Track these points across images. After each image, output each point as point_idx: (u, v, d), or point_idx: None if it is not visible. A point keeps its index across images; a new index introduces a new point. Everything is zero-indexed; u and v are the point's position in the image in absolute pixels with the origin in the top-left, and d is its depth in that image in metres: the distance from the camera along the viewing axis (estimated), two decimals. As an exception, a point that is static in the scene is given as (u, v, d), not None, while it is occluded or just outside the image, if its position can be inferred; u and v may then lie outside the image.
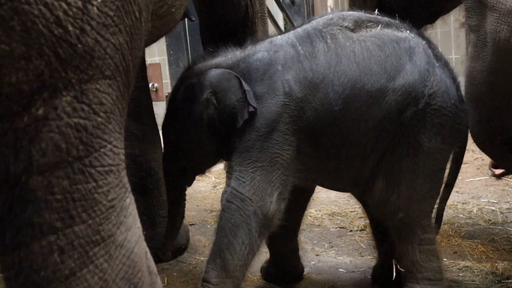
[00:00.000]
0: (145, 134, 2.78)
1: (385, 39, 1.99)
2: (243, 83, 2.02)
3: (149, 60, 7.59)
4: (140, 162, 2.67)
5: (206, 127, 2.08)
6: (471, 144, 5.25)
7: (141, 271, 1.11)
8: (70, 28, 0.91)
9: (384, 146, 2.00)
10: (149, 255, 1.17)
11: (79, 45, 0.92)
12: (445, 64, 2.05)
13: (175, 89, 2.20)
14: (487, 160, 4.41)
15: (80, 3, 0.91)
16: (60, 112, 0.93)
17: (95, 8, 0.94)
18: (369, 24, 2.04)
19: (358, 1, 3.09)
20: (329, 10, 6.86)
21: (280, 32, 4.94)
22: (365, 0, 3.00)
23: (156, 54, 7.63)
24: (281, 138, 1.98)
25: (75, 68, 0.93)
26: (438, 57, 2.04)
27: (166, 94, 7.02)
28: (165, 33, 2.27)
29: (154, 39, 2.03)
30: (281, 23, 6.40)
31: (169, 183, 2.28)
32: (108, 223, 1.03)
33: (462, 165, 4.42)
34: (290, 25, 6.05)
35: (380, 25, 2.04)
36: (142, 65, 2.74)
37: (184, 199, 2.37)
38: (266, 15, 3.48)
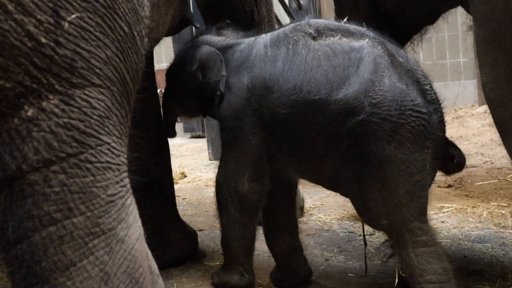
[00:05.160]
0: (152, 138, 2.80)
1: (337, 50, 2.06)
2: (223, 68, 2.34)
3: (157, 66, 7.62)
4: (147, 167, 2.68)
5: (189, 92, 2.49)
6: (480, 148, 5.23)
7: (143, 267, 1.14)
8: (44, 40, 0.96)
9: (340, 153, 2.04)
10: (151, 256, 1.20)
11: (56, 56, 0.98)
12: (407, 71, 2.00)
13: (182, 51, 2.60)
14: (497, 163, 4.40)
15: (51, 20, 0.97)
16: (49, 113, 0.99)
17: (67, 24, 0.99)
18: (330, 32, 2.13)
19: (350, 5, 3.02)
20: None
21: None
22: (357, 4, 2.96)
23: (164, 60, 7.67)
24: (246, 128, 2.23)
25: (56, 76, 0.99)
26: (398, 65, 2.00)
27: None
28: None
29: None
30: (288, 28, 6.40)
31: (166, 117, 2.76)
32: (108, 217, 1.06)
33: (472, 169, 4.43)
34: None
35: (339, 34, 2.11)
36: (150, 71, 2.76)
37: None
38: (274, 20, 3.48)
